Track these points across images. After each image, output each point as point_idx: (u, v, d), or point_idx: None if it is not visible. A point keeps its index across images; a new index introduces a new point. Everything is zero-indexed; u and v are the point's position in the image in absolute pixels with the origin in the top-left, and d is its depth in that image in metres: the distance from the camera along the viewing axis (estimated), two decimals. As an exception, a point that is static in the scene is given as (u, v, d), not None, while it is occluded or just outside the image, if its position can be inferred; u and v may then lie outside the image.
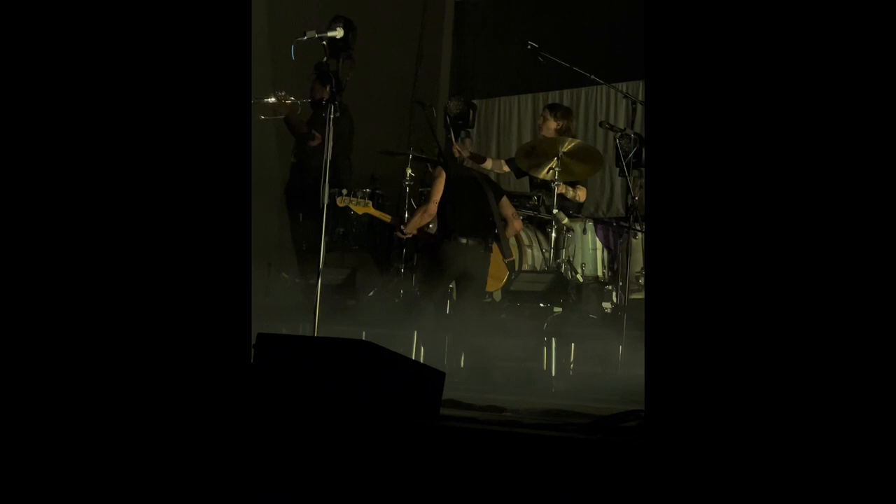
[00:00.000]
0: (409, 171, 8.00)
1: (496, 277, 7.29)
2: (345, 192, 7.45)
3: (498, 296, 7.35)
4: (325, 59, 5.92)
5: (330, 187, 5.85)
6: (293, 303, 7.28)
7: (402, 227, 7.35)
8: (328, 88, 6.20)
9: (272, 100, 8.08)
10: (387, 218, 7.59)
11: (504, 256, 7.28)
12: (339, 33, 5.77)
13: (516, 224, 7.38)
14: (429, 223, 7.31)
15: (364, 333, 6.73)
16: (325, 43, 5.84)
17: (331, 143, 5.76)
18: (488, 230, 7.18)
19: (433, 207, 7.20)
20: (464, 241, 7.08)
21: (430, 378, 3.98)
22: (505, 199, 7.42)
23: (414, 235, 7.36)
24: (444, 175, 7.23)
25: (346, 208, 7.67)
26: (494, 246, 7.21)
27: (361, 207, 7.50)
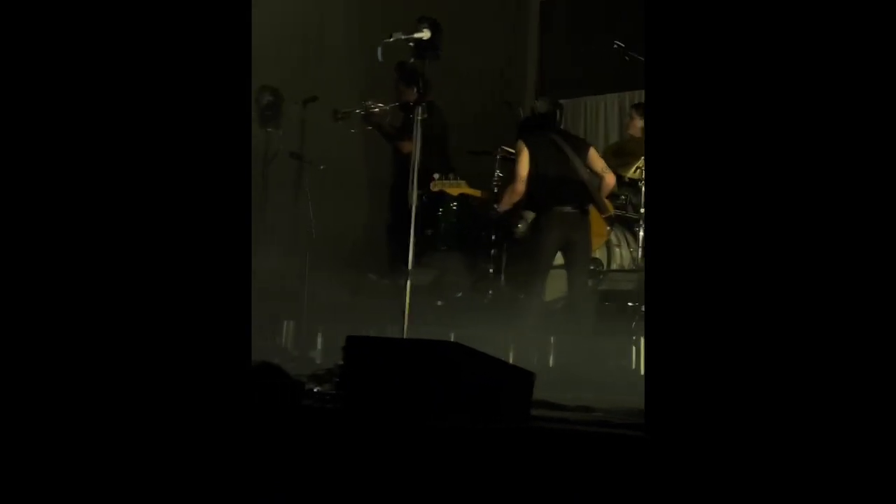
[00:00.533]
0: (497, 171, 7.98)
1: (599, 235, 7.26)
2: (437, 176, 7.39)
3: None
4: (411, 59, 5.92)
5: (419, 188, 5.83)
6: (381, 304, 7.30)
7: (496, 205, 7.31)
8: (414, 90, 6.19)
9: (361, 111, 8.08)
10: (478, 193, 7.55)
11: (601, 212, 7.21)
12: (425, 34, 5.75)
13: (608, 178, 7.28)
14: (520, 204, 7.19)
15: (452, 335, 6.72)
16: (411, 44, 5.84)
17: (419, 145, 5.75)
18: (580, 191, 7.10)
19: (521, 186, 7.09)
20: (559, 209, 7.01)
21: (520, 378, 3.97)
22: (593, 152, 7.31)
23: (508, 212, 7.28)
24: (526, 149, 7.15)
25: (435, 210, 7.66)
26: (591, 207, 7.14)
27: (456, 188, 7.46)
